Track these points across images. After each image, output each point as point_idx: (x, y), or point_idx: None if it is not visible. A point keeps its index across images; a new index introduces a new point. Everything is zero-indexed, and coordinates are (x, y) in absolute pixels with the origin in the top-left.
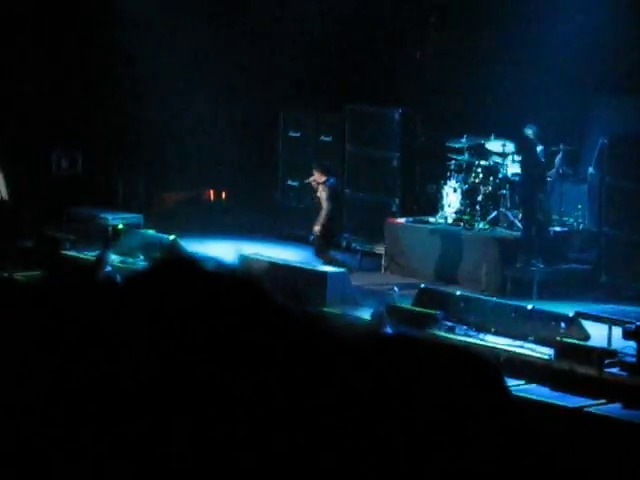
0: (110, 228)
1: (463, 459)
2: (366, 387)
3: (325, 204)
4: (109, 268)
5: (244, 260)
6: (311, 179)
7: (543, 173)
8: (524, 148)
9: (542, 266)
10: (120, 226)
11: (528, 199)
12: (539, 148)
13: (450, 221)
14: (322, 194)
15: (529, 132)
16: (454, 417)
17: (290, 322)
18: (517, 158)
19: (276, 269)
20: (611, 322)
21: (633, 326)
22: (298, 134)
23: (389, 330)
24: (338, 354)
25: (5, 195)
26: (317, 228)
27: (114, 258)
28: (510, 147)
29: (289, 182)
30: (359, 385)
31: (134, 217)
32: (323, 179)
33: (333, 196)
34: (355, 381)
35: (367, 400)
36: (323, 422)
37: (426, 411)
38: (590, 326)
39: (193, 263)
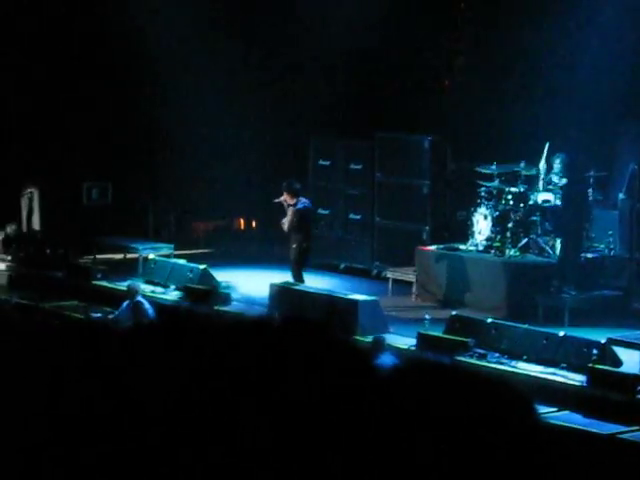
0: (141, 258)
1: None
2: (410, 414)
3: (295, 230)
4: (139, 297)
5: (275, 290)
6: (281, 199)
7: (586, 200)
8: (567, 174)
9: (574, 293)
10: (151, 256)
11: (568, 226)
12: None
13: (481, 248)
14: (292, 219)
15: (557, 161)
16: (490, 444)
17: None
18: (549, 185)
19: (308, 298)
20: None
21: None
22: (328, 162)
23: (386, 357)
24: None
25: (37, 225)
26: (295, 247)
27: (145, 287)
28: (541, 173)
29: (320, 210)
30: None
31: (165, 247)
32: (293, 201)
33: (303, 221)
34: (401, 409)
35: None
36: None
37: (466, 437)
38: (622, 352)
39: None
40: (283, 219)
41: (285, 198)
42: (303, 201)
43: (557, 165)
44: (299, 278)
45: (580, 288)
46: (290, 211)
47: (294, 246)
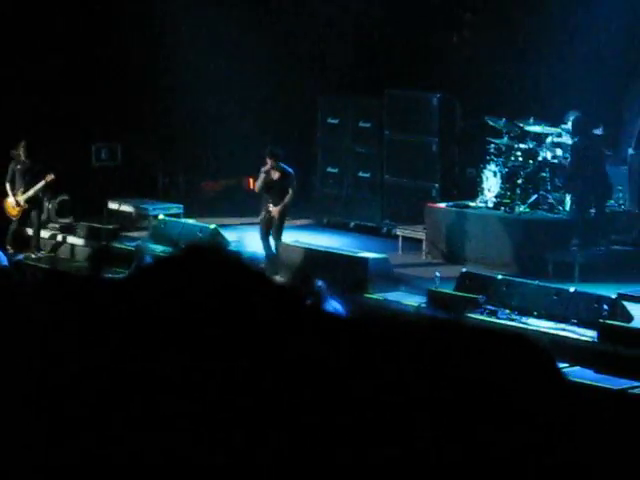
0: (151, 218)
1: (520, 441)
2: (426, 370)
3: (277, 194)
4: (149, 258)
5: (284, 248)
6: (266, 167)
7: (598, 155)
8: (576, 131)
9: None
10: (160, 216)
11: (582, 182)
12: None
13: (490, 205)
14: (283, 180)
15: (570, 118)
16: (510, 399)
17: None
18: (557, 140)
19: (316, 256)
20: None
21: None
22: (336, 121)
23: (329, 305)
24: (397, 339)
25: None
26: (276, 210)
27: (155, 248)
28: (549, 130)
29: (328, 169)
30: (419, 368)
31: (174, 207)
32: (276, 166)
33: (288, 185)
34: (415, 366)
35: (428, 381)
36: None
37: (484, 395)
38: (633, 308)
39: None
40: (258, 180)
41: (270, 164)
42: (287, 167)
43: (569, 122)
44: (279, 239)
45: (591, 243)
46: (279, 174)
47: (277, 208)
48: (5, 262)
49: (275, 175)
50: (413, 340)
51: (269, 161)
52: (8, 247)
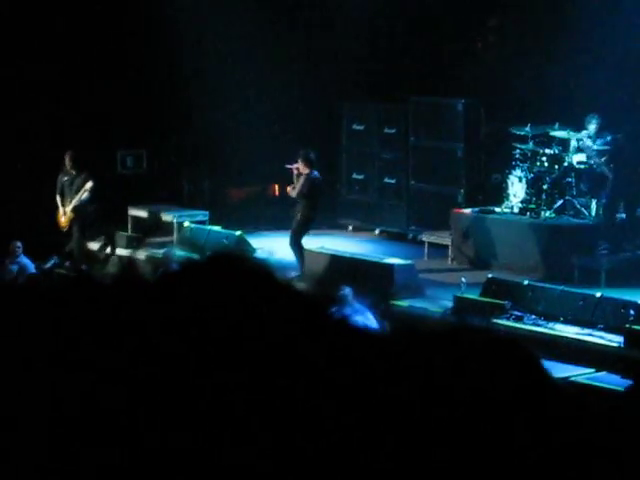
0: (176, 225)
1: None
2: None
3: (304, 199)
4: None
5: (310, 255)
6: (294, 166)
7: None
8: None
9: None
10: (186, 223)
11: (613, 188)
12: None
13: (516, 210)
14: (302, 187)
15: (592, 122)
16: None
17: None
18: (582, 145)
19: (342, 263)
20: None
21: None
22: (362, 127)
23: (355, 311)
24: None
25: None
26: (300, 215)
27: (181, 255)
28: (574, 135)
29: (354, 175)
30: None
31: (200, 214)
32: (307, 171)
33: (315, 190)
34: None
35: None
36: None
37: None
38: None
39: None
40: (291, 186)
41: (299, 166)
42: (315, 172)
43: (592, 126)
44: (298, 247)
45: (618, 248)
46: (302, 179)
47: (299, 214)
48: (32, 269)
49: (305, 179)
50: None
51: (301, 165)
52: (74, 261)
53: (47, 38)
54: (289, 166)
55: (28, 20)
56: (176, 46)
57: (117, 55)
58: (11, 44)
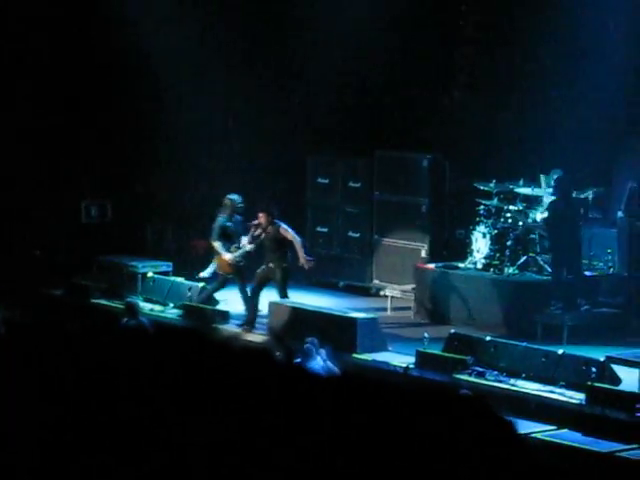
0: (140, 276)
1: None
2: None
3: (273, 250)
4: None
5: (274, 308)
6: (256, 222)
7: (576, 216)
8: (557, 191)
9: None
10: (149, 274)
11: (557, 242)
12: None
13: (479, 266)
14: (285, 233)
15: (554, 177)
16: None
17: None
18: (546, 202)
19: (306, 315)
20: None
21: None
22: (327, 180)
23: (318, 361)
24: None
25: None
26: (276, 267)
27: (143, 306)
28: (539, 192)
29: (318, 228)
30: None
31: (164, 264)
32: (266, 224)
33: (284, 240)
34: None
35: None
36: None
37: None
38: (621, 370)
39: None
40: (244, 239)
41: (260, 220)
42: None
43: (553, 180)
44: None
45: (573, 307)
46: (280, 231)
47: (271, 265)
48: None
49: (270, 231)
50: (385, 405)
51: (262, 217)
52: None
53: (14, 91)
54: (254, 222)
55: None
56: (142, 96)
57: (84, 105)
58: None
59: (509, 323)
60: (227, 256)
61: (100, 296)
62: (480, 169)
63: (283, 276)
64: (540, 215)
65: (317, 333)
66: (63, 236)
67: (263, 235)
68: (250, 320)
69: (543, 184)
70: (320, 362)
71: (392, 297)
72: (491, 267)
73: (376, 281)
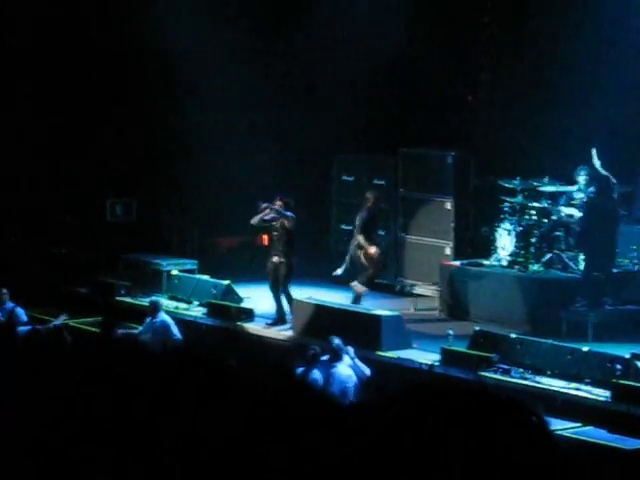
0: (165, 274)
1: None
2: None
3: (282, 243)
4: (165, 317)
5: (298, 306)
6: (265, 205)
7: (616, 214)
8: (596, 188)
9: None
10: (174, 272)
11: (594, 240)
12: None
13: (504, 263)
14: (287, 223)
15: (582, 174)
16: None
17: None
18: (573, 199)
19: (330, 313)
20: None
21: None
22: (351, 178)
23: (346, 363)
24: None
25: None
26: (281, 260)
27: (168, 304)
28: (564, 188)
29: (342, 226)
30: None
31: (189, 262)
32: (287, 212)
33: (292, 233)
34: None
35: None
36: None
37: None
38: None
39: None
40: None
41: (276, 204)
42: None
43: (582, 178)
44: (288, 293)
45: (598, 305)
46: (286, 220)
47: (279, 260)
48: (23, 316)
49: (280, 223)
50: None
51: (278, 203)
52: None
53: (46, 88)
54: (265, 205)
55: (17, 73)
56: (170, 96)
57: (110, 104)
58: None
59: (534, 320)
60: (372, 249)
61: (125, 294)
62: (505, 166)
63: (287, 271)
64: (565, 212)
65: (341, 331)
66: (88, 234)
67: (274, 222)
68: (280, 318)
69: (582, 180)
70: (348, 361)
71: (417, 294)
72: (516, 264)
73: (401, 278)
